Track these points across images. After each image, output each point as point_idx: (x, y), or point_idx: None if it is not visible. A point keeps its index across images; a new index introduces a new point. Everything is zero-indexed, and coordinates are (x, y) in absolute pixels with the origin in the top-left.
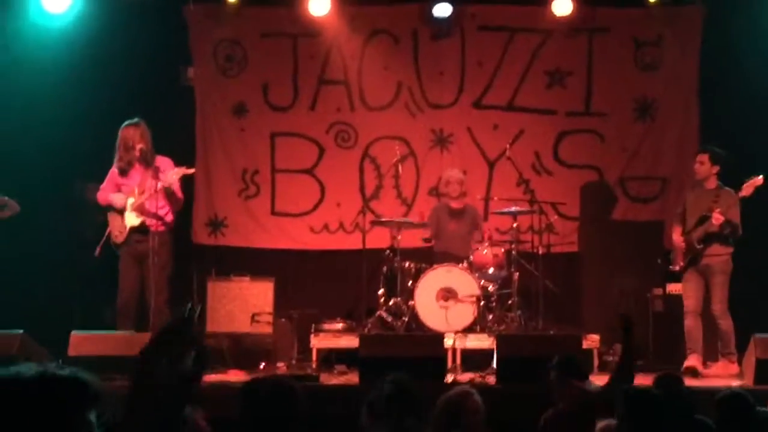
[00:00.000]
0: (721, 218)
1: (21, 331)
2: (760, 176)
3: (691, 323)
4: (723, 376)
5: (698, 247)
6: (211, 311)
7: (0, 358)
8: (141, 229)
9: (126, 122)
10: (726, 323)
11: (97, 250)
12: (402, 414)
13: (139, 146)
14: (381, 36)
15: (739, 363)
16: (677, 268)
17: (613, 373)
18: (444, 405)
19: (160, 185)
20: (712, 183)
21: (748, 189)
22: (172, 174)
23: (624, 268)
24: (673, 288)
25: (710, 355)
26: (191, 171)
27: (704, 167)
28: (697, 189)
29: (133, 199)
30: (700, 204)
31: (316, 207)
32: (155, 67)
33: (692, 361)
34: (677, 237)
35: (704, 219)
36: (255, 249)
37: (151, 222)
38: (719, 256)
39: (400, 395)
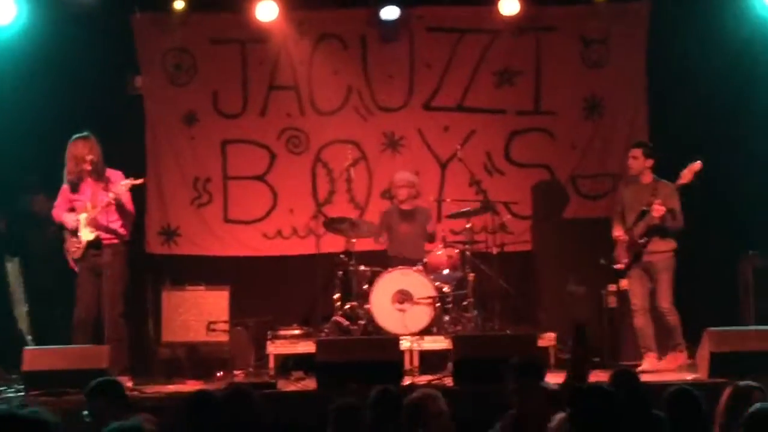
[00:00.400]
0: (662, 209)
1: None
2: (698, 161)
3: (641, 322)
4: (673, 369)
5: (640, 242)
6: (167, 321)
7: None
8: (96, 244)
9: (75, 136)
10: (674, 319)
11: (73, 265)
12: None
13: (89, 158)
14: (329, 40)
15: (692, 355)
16: (621, 266)
17: (567, 374)
18: (407, 408)
19: (111, 196)
20: (648, 177)
21: (687, 175)
22: (120, 186)
23: (577, 265)
24: (626, 284)
25: (660, 350)
26: (139, 181)
27: (638, 162)
28: (633, 185)
29: (86, 214)
30: (639, 199)
31: (269, 213)
32: (103, 76)
33: (648, 361)
34: (619, 233)
35: (644, 213)
36: (209, 257)
37: (104, 235)
38: (662, 252)
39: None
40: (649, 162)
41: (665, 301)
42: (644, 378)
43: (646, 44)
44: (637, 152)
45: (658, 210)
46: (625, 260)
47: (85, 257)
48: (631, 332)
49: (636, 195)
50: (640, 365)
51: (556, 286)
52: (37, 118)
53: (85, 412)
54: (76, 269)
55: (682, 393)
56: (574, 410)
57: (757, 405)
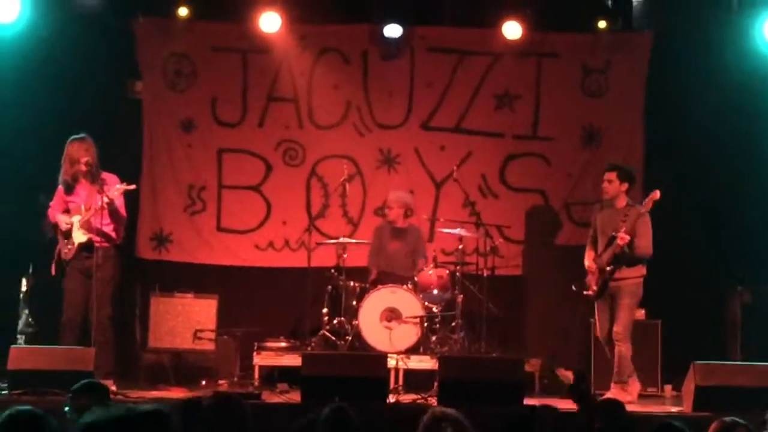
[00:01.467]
0: (627, 238)
1: None
2: (657, 191)
3: (609, 354)
4: (634, 400)
5: (608, 269)
6: (154, 327)
7: None
8: (88, 246)
9: (72, 137)
10: (625, 347)
11: (52, 268)
12: None
13: (84, 159)
14: (331, 55)
15: (677, 388)
16: (590, 293)
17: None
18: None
19: (105, 201)
20: (622, 201)
21: (647, 204)
22: (113, 190)
23: (568, 292)
24: None
25: (603, 382)
26: (132, 187)
27: (613, 186)
28: (607, 209)
29: (80, 216)
30: (611, 223)
31: (261, 224)
32: (103, 79)
33: (614, 392)
34: (589, 261)
35: (612, 239)
36: (199, 265)
37: (96, 238)
38: (628, 279)
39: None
40: (624, 186)
41: (621, 327)
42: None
43: (646, 76)
44: (612, 175)
45: (622, 238)
46: (594, 288)
47: (76, 258)
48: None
49: (609, 220)
50: (603, 395)
51: (545, 312)
52: (36, 116)
53: (67, 408)
54: (53, 272)
55: (668, 428)
56: None
57: None
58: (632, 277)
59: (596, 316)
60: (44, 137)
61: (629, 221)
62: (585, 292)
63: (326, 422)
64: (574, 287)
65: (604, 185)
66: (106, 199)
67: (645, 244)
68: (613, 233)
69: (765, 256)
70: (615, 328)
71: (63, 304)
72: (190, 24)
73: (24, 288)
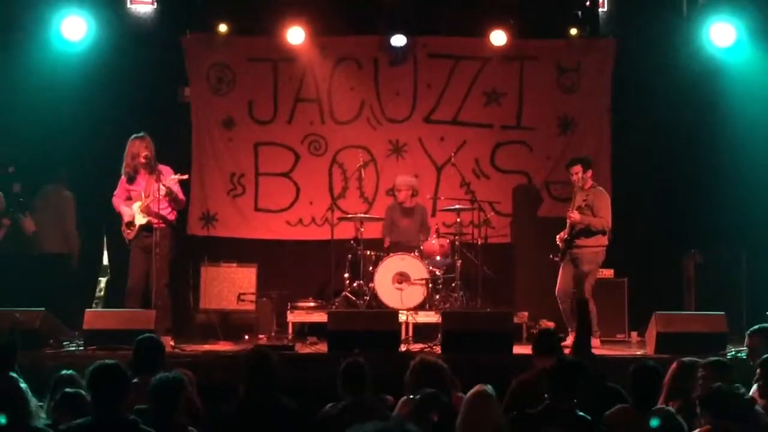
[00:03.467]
0: (575, 216)
1: (43, 309)
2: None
3: (562, 307)
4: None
5: (563, 240)
6: (204, 292)
7: (25, 331)
8: (147, 227)
9: (133, 135)
10: (591, 305)
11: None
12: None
13: (143, 154)
14: (347, 62)
15: (641, 334)
16: (556, 258)
17: (574, 344)
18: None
19: (163, 190)
20: (587, 184)
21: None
22: (169, 180)
23: (548, 255)
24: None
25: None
26: (185, 177)
27: (578, 176)
28: (578, 192)
29: (140, 202)
30: (576, 203)
31: (292, 204)
32: (157, 87)
33: (570, 338)
34: (561, 233)
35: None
36: (241, 239)
37: (154, 220)
38: (587, 247)
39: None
40: (588, 173)
41: (583, 289)
42: (600, 352)
43: (612, 74)
44: (577, 168)
45: (570, 217)
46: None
47: (137, 238)
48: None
49: (576, 198)
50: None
51: (530, 273)
52: (101, 120)
53: None
54: (129, 247)
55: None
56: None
57: (719, 385)
58: (591, 246)
59: (559, 275)
60: (108, 137)
61: (591, 199)
62: (552, 257)
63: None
64: (551, 256)
65: (573, 178)
66: (164, 189)
67: (602, 216)
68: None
69: (714, 223)
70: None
71: (128, 275)
72: (229, 38)
73: (105, 261)
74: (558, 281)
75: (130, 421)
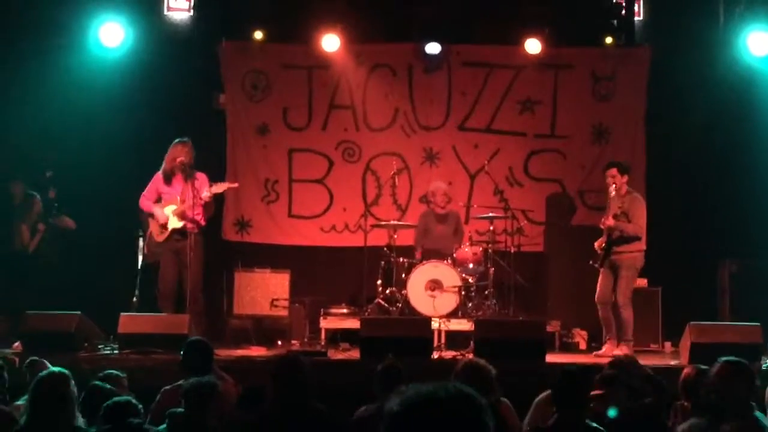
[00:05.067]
0: (609, 222)
1: (79, 312)
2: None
3: (602, 313)
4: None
5: (602, 248)
6: (237, 297)
7: (61, 334)
8: (181, 231)
9: (177, 139)
10: (627, 313)
11: (145, 248)
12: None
13: (179, 158)
14: (382, 69)
15: (675, 345)
16: (596, 264)
17: None
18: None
19: (206, 194)
20: (623, 190)
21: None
22: (218, 186)
23: (582, 265)
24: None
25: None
26: (235, 185)
27: (615, 179)
28: (614, 197)
29: (175, 206)
30: (611, 208)
31: (325, 211)
32: (192, 93)
33: (607, 347)
34: (597, 242)
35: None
36: (274, 245)
37: (189, 225)
38: (626, 253)
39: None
40: (624, 178)
41: (621, 296)
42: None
43: (647, 82)
44: (614, 171)
45: (605, 223)
46: (598, 262)
47: (168, 241)
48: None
49: (612, 204)
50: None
51: (563, 282)
52: (138, 125)
53: None
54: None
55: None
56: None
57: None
58: (629, 252)
59: (599, 282)
60: (143, 142)
61: (626, 206)
62: (594, 264)
63: (380, 375)
64: (590, 262)
65: (608, 180)
66: (208, 194)
67: (636, 224)
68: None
69: (749, 232)
70: (618, 298)
71: (158, 279)
72: (264, 46)
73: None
74: (598, 288)
75: None
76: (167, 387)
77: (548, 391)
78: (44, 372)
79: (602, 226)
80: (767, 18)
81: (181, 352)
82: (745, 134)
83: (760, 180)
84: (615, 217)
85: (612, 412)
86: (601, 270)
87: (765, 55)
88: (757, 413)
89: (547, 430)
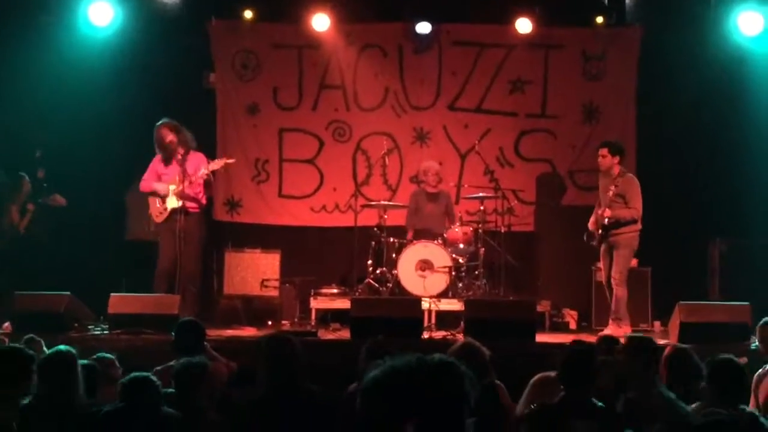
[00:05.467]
0: (608, 213)
1: (68, 292)
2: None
3: (610, 295)
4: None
5: (598, 233)
6: (228, 277)
7: (50, 314)
8: (180, 210)
9: (159, 121)
10: (621, 291)
11: (147, 226)
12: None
13: (168, 138)
14: (372, 49)
15: (665, 324)
16: (594, 243)
17: None
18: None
19: (203, 172)
20: (615, 170)
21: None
22: (215, 163)
23: (571, 244)
24: None
25: (601, 320)
26: (232, 161)
27: (606, 159)
28: (605, 177)
29: (174, 185)
30: (605, 190)
31: (316, 191)
32: (182, 72)
33: (609, 328)
34: (592, 219)
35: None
36: (265, 225)
37: (189, 204)
38: (624, 233)
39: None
40: (616, 158)
41: (616, 272)
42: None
43: (637, 62)
44: (605, 151)
45: (602, 217)
46: (594, 241)
47: (167, 221)
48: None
49: (604, 186)
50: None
51: (553, 261)
52: (127, 103)
53: None
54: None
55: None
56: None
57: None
58: (626, 232)
59: (601, 266)
60: (133, 122)
61: (621, 187)
62: (592, 243)
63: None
64: (585, 239)
65: (599, 159)
66: (205, 172)
67: (633, 207)
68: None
69: (738, 212)
70: (612, 274)
71: (157, 258)
72: (254, 25)
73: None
74: (602, 273)
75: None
76: (159, 367)
77: (542, 374)
78: (51, 350)
79: (601, 219)
80: None
81: (172, 333)
82: (736, 114)
83: (749, 159)
84: (610, 204)
85: None
86: (601, 253)
87: (755, 34)
88: (662, 387)
89: (553, 407)
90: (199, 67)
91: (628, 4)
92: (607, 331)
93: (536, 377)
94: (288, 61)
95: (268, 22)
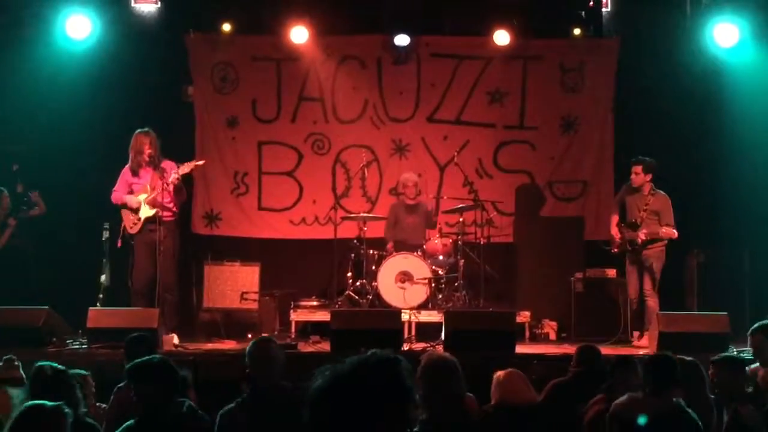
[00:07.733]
0: (644, 237)
1: (47, 306)
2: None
3: (635, 308)
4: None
5: (629, 249)
6: (207, 290)
7: (28, 329)
8: (153, 220)
9: (138, 130)
10: (653, 301)
11: (118, 242)
12: None
13: (147, 152)
14: (351, 61)
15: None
16: (615, 250)
17: None
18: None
19: (174, 176)
20: (647, 188)
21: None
22: (185, 167)
23: (551, 255)
24: (592, 273)
25: (583, 329)
26: (202, 162)
27: (639, 177)
28: (635, 193)
29: (146, 195)
30: (636, 206)
31: (295, 203)
32: (160, 86)
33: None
34: (612, 226)
35: (635, 226)
36: (244, 238)
37: (161, 212)
38: (654, 248)
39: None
40: (648, 176)
41: (649, 285)
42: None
43: (615, 73)
44: (638, 168)
45: (641, 238)
46: (616, 249)
47: (141, 232)
48: (595, 314)
49: (635, 202)
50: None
51: (532, 273)
52: (105, 116)
53: None
54: (132, 242)
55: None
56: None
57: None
58: (657, 246)
59: (627, 279)
60: (111, 135)
61: (652, 206)
62: (611, 249)
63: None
64: (605, 247)
65: (632, 177)
66: (175, 176)
67: (668, 224)
68: (638, 221)
69: (716, 223)
70: (645, 288)
71: (132, 273)
72: (232, 38)
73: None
74: (629, 287)
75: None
76: (120, 385)
77: (504, 371)
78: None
79: (639, 241)
80: (733, 9)
81: (123, 350)
82: (712, 125)
83: (727, 170)
84: (645, 221)
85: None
86: (627, 268)
87: (731, 46)
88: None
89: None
90: (178, 81)
91: (606, 16)
92: (641, 343)
93: (499, 374)
94: (266, 74)
95: (247, 35)
